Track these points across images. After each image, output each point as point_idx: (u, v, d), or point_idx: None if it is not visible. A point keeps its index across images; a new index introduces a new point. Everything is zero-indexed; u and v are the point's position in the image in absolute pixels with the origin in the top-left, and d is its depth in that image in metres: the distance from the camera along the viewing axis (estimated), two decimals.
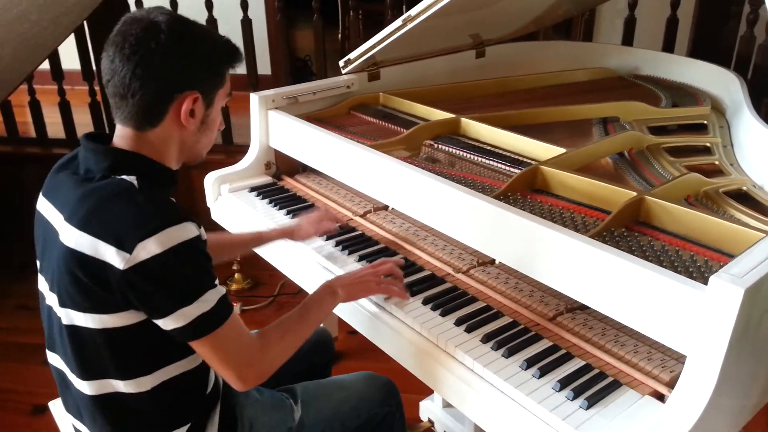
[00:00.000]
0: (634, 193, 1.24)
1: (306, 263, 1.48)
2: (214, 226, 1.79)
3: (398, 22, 1.73)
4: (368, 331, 1.30)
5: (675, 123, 1.81)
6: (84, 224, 0.94)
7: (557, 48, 2.42)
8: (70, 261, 0.94)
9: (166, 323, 0.95)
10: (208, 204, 1.84)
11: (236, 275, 2.65)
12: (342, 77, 1.94)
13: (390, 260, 1.31)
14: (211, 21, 2.77)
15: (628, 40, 2.61)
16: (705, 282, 0.95)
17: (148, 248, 0.90)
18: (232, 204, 1.74)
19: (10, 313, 2.60)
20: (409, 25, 1.72)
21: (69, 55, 2.97)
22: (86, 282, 0.94)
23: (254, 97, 1.78)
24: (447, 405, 1.83)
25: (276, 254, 1.57)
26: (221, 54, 1.03)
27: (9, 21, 2.17)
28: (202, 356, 1.02)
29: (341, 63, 1.95)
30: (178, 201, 1.02)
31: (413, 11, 1.69)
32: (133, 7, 2.85)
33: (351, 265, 1.40)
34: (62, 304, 0.98)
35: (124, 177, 0.97)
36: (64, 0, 2.36)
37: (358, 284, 1.22)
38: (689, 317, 0.91)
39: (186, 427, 1.07)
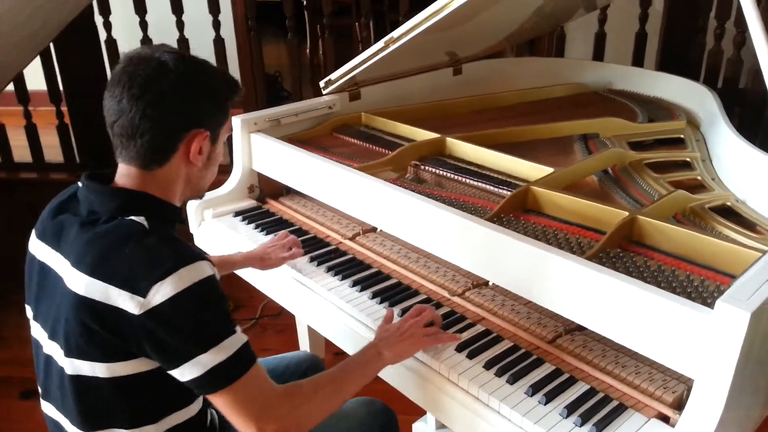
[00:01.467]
0: (626, 213, 1.25)
1: (287, 285, 1.47)
2: None
3: (380, 44, 1.73)
4: None
5: (652, 138, 1.85)
6: (94, 269, 0.90)
7: (530, 64, 2.45)
8: (79, 309, 0.90)
9: (182, 373, 0.91)
10: (191, 230, 1.80)
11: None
12: (323, 98, 1.92)
13: (426, 307, 1.24)
14: (182, 40, 2.73)
15: (598, 55, 2.66)
16: (705, 303, 0.97)
17: (163, 291, 0.87)
18: (216, 229, 1.70)
19: None
20: (392, 47, 1.71)
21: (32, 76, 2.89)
22: (97, 330, 0.90)
23: (236, 120, 1.75)
24: (441, 426, 1.81)
25: (264, 279, 1.55)
26: (224, 89, 1.02)
27: None
28: (219, 409, 0.96)
29: (322, 84, 1.94)
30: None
31: (395, 33, 1.68)
32: (100, 29, 2.79)
33: (348, 292, 1.38)
34: (68, 354, 0.94)
35: (133, 218, 0.94)
36: (29, 23, 2.29)
37: (406, 342, 1.14)
38: (695, 341, 0.92)
39: None
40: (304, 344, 2.07)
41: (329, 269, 1.44)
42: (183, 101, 0.95)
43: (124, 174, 0.99)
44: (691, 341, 0.93)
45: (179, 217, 1.04)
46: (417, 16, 1.63)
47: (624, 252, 1.20)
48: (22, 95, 2.87)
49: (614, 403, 1.04)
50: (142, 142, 0.95)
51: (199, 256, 0.93)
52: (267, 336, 2.52)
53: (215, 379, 0.92)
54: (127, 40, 2.85)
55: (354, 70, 1.83)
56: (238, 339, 0.93)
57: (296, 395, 1.01)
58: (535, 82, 2.32)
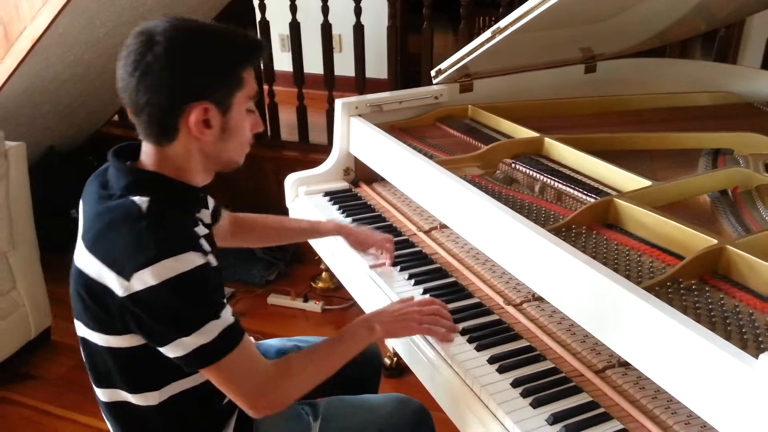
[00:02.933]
0: (715, 241, 1.08)
1: (356, 272, 1.45)
2: None
3: (487, 34, 1.65)
4: (405, 354, 1.25)
5: None
6: (91, 246, 0.94)
7: (679, 67, 2.20)
8: (78, 280, 0.96)
9: (167, 351, 0.93)
10: (287, 204, 1.87)
11: (323, 274, 2.69)
12: (431, 87, 1.89)
13: (438, 302, 1.22)
14: (326, 25, 2.83)
15: None
16: None
17: (144, 279, 0.88)
18: (305, 206, 1.76)
19: None
20: (498, 37, 1.63)
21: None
22: (90, 304, 0.94)
23: (338, 103, 1.78)
24: None
25: (332, 255, 1.57)
26: (233, 55, 0.96)
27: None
28: (212, 382, 0.98)
29: (433, 73, 1.90)
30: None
31: (502, 23, 1.60)
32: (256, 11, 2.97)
33: (399, 282, 1.35)
34: (75, 317, 1.01)
35: (135, 199, 0.94)
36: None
37: (399, 322, 1.14)
38: (735, 395, 0.77)
39: None
40: None
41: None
42: (173, 75, 0.91)
43: (144, 151, 1.00)
44: (730, 394, 0.78)
45: (194, 197, 1.03)
46: (523, 5, 1.53)
47: (700, 284, 1.04)
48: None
49: None
50: (145, 119, 0.94)
51: (188, 246, 0.91)
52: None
53: (199, 359, 0.93)
54: (279, 23, 3.05)
55: (461, 60, 1.77)
56: (221, 323, 0.93)
57: (285, 370, 1.02)
58: (681, 88, 2.08)
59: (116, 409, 1.05)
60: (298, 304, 2.54)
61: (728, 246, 1.06)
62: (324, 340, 1.12)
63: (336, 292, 2.63)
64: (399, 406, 1.25)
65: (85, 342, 1.02)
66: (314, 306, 2.53)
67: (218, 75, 0.95)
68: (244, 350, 0.96)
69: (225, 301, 0.98)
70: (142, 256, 0.88)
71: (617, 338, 0.96)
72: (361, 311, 1.39)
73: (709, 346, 0.80)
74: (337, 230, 1.46)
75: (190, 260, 0.90)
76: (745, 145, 1.59)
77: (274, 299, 2.57)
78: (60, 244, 2.00)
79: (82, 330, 1.01)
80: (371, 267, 1.42)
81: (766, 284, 1.01)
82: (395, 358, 2.12)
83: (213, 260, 0.96)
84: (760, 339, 0.89)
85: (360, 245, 1.45)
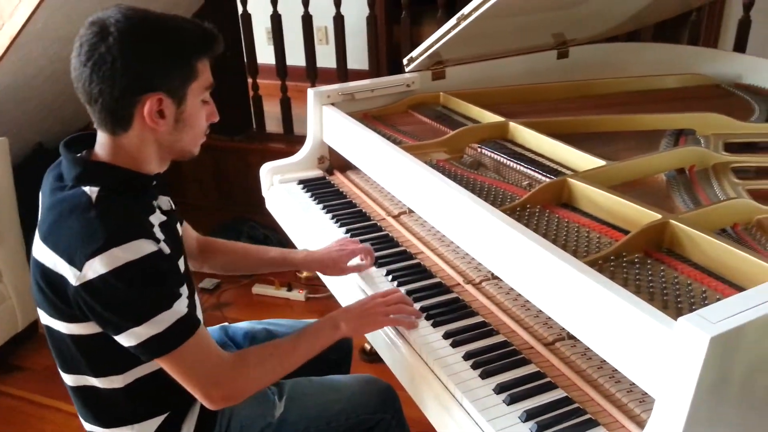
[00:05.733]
0: (659, 216, 1.11)
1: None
2: (269, 216, 1.87)
3: (453, 21, 1.68)
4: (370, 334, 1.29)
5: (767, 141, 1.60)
6: (45, 237, 0.96)
7: (651, 50, 2.22)
8: (36, 271, 0.99)
9: (121, 340, 0.95)
10: (263, 193, 1.90)
11: None
12: (403, 75, 1.92)
13: (399, 290, 1.24)
14: (306, 16, 2.86)
15: (740, 44, 2.34)
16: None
17: (95, 267, 0.89)
18: (279, 194, 1.79)
19: None
20: (464, 23, 1.66)
21: None
22: (49, 293, 0.97)
23: (310, 92, 1.81)
24: None
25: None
26: (187, 46, 0.97)
27: None
28: (167, 371, 1.00)
29: (405, 61, 1.93)
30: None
31: (466, 9, 1.63)
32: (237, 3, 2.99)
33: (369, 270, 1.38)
34: (37, 305, 1.04)
35: (86, 189, 0.95)
36: None
37: (365, 318, 1.16)
38: (657, 356, 0.81)
39: (164, 416, 1.09)
40: None
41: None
42: (127, 66, 0.92)
43: (98, 141, 1.01)
44: (654, 356, 0.82)
45: (146, 186, 1.03)
46: None
47: (643, 258, 1.08)
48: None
49: (584, 417, 0.95)
50: (98, 109, 0.95)
51: (137, 234, 0.92)
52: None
53: (151, 349, 0.95)
54: (264, 16, 3.07)
55: (431, 48, 1.81)
56: (174, 313, 0.95)
57: (242, 363, 1.04)
58: (654, 71, 2.11)
59: (83, 392, 1.08)
60: (282, 293, 2.58)
61: (671, 220, 1.10)
62: (287, 337, 1.13)
63: (320, 281, 2.66)
64: (365, 386, 1.27)
65: (50, 330, 1.05)
66: (298, 295, 2.57)
67: (171, 66, 0.96)
68: (197, 341, 0.98)
69: (181, 291, 0.99)
70: (91, 245, 0.90)
71: (560, 310, 1.00)
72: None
73: (633, 310, 0.84)
74: (306, 265, 1.44)
75: (140, 248, 0.92)
76: (707, 125, 1.62)
77: (258, 289, 2.61)
78: None
79: (45, 318, 1.04)
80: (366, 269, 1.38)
81: (706, 256, 1.05)
82: None
83: (166, 248, 0.97)
84: (694, 307, 0.93)
85: (333, 273, 1.39)
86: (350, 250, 1.37)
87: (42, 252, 0.97)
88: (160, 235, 0.99)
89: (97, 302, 0.92)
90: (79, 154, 1.02)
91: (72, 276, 0.92)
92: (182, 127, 1.01)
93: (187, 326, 0.97)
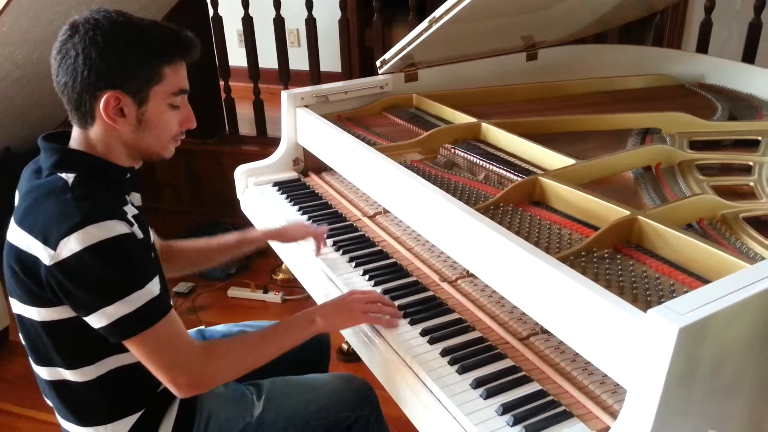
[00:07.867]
0: (628, 212, 1.15)
1: (304, 262, 1.50)
2: (244, 219, 1.87)
3: (425, 24, 1.71)
4: (346, 330, 1.30)
5: (730, 138, 1.66)
6: (20, 220, 0.98)
7: (617, 52, 2.28)
8: (10, 255, 1.00)
9: (91, 321, 0.96)
10: (238, 195, 1.90)
11: (283, 266, 2.72)
12: (376, 78, 1.94)
13: (373, 291, 1.26)
14: (278, 19, 2.86)
15: (703, 45, 2.41)
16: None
17: (69, 246, 0.91)
18: (254, 197, 1.79)
19: None
20: (435, 26, 1.69)
21: None
22: (22, 277, 0.98)
23: (284, 95, 1.82)
24: None
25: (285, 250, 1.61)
26: (151, 49, 0.99)
27: None
28: (135, 356, 1.01)
29: (378, 63, 1.95)
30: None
31: (437, 12, 1.65)
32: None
33: (341, 266, 1.40)
34: (10, 294, 1.05)
35: (62, 175, 0.99)
36: None
37: (341, 314, 1.18)
38: (628, 347, 0.84)
39: (138, 414, 1.09)
40: None
41: (334, 243, 1.47)
42: (87, 61, 0.95)
43: (73, 133, 1.05)
44: (624, 347, 0.85)
45: (118, 176, 1.05)
46: None
47: (613, 253, 1.11)
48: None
49: (559, 409, 0.98)
50: (65, 101, 1.01)
51: (112, 215, 0.95)
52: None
53: (121, 329, 0.96)
54: (235, 19, 3.06)
55: (403, 51, 1.83)
56: (146, 293, 0.96)
57: (211, 352, 1.05)
58: (620, 72, 2.16)
59: (56, 387, 1.07)
60: (258, 295, 2.58)
61: (639, 216, 1.13)
62: (261, 330, 1.14)
63: (296, 283, 2.66)
64: (343, 384, 1.29)
65: (21, 319, 1.05)
66: (274, 297, 2.56)
67: (132, 66, 0.98)
68: (168, 325, 0.99)
69: (154, 274, 1.00)
70: (67, 223, 0.93)
71: (533, 305, 1.02)
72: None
73: (604, 303, 0.87)
74: (264, 236, 1.48)
75: (113, 228, 0.94)
76: (672, 124, 1.67)
77: (234, 292, 2.60)
78: None
79: (17, 307, 1.04)
80: (317, 255, 1.45)
81: (673, 250, 1.08)
82: None
83: (139, 233, 1.00)
84: (662, 300, 0.96)
85: (289, 239, 1.47)
86: (306, 226, 1.48)
87: (17, 235, 0.98)
88: (132, 220, 1.01)
89: (69, 280, 0.93)
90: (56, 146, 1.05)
91: (46, 256, 0.93)
92: (145, 128, 1.03)
93: (158, 308, 0.98)
